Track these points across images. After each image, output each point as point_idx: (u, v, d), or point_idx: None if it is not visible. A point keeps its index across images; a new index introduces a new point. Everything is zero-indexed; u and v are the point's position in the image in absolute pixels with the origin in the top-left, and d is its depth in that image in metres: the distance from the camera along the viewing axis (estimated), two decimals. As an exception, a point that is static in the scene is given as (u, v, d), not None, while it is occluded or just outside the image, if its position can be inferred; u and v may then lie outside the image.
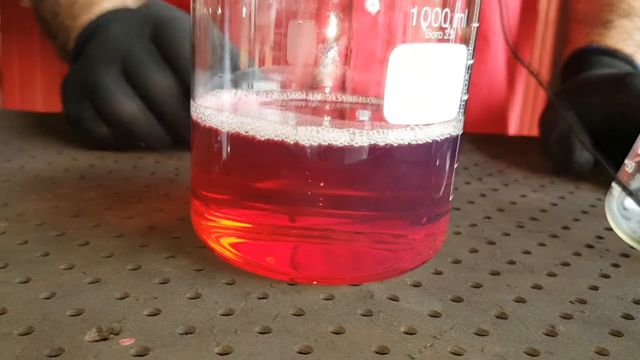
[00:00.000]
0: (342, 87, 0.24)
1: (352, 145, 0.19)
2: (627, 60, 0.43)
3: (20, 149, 0.40)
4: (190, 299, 0.20)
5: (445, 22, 0.19)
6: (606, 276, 0.24)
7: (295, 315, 0.20)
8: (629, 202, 0.30)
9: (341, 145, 0.19)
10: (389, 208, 0.21)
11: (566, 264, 0.25)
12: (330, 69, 0.23)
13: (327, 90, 0.24)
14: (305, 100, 0.25)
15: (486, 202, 0.33)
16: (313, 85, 0.24)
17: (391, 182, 0.20)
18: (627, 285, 0.24)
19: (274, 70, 0.24)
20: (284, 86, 0.25)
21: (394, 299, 0.21)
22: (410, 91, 0.19)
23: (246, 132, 0.20)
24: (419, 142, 0.20)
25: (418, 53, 0.19)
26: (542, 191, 0.36)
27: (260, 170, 0.21)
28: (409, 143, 0.20)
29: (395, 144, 0.20)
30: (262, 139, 0.20)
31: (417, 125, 0.20)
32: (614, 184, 0.30)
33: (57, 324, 0.18)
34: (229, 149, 0.21)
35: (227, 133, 0.21)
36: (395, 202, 0.21)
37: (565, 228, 0.30)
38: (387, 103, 0.19)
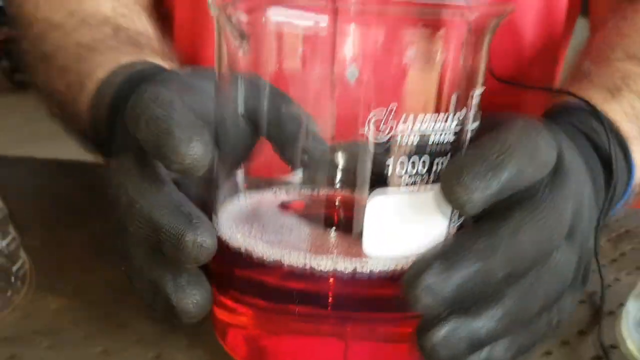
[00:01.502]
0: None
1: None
2: (621, 141, 0.35)
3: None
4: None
5: (424, 169, 0.21)
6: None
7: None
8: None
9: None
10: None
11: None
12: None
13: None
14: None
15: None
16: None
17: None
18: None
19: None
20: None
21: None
22: (389, 230, 0.21)
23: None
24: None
25: (393, 201, 0.21)
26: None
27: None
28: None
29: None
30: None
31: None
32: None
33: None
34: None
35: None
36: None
37: (582, 333, 0.30)
38: (365, 238, 0.21)
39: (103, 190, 0.26)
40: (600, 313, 0.31)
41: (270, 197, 0.27)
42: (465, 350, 0.22)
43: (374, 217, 0.21)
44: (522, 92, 0.44)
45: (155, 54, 0.41)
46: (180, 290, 0.23)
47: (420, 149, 0.21)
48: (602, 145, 0.33)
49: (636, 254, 0.40)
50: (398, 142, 0.21)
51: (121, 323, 0.28)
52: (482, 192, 0.20)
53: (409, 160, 0.21)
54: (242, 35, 0.22)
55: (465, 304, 0.22)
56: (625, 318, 0.29)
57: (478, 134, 0.23)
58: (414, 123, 0.20)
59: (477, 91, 0.22)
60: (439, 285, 0.21)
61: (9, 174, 0.47)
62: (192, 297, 0.23)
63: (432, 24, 0.20)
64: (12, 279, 0.28)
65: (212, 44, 0.58)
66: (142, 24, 0.48)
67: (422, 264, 0.21)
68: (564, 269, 0.24)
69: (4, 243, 0.28)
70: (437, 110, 0.21)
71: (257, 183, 0.27)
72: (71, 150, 0.50)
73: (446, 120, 0.21)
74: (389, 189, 0.21)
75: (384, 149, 0.21)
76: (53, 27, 0.46)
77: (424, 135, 0.21)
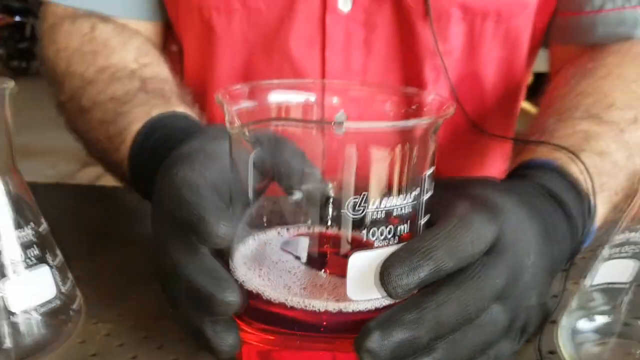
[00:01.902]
0: None
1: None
2: (582, 197, 0.40)
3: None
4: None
5: (389, 234, 0.28)
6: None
7: None
8: (582, 324, 0.37)
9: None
10: None
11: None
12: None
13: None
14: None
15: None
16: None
17: None
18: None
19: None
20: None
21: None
22: (365, 279, 0.28)
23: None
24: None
25: (367, 257, 0.28)
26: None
27: None
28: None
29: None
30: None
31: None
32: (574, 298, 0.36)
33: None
34: None
35: None
36: None
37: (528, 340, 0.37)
38: (349, 286, 0.29)
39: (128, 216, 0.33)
40: (543, 323, 0.38)
41: (274, 237, 0.34)
42: None
43: (354, 269, 0.28)
44: (484, 149, 0.50)
45: (180, 103, 0.49)
46: (218, 336, 0.30)
47: (385, 221, 0.28)
48: (567, 202, 0.38)
49: (586, 262, 0.47)
50: (369, 217, 0.28)
51: (159, 345, 0.36)
52: (403, 288, 0.28)
53: (377, 230, 0.28)
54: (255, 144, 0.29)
55: (402, 358, 0.28)
56: (561, 332, 0.36)
57: (432, 199, 0.30)
58: (380, 203, 0.28)
59: (428, 172, 0.30)
60: (378, 350, 0.27)
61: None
62: (226, 340, 0.30)
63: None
64: (71, 313, 0.35)
65: (217, 87, 0.64)
66: (164, 71, 0.55)
67: (366, 332, 0.28)
68: (491, 327, 0.31)
69: (64, 288, 0.35)
70: (399, 192, 0.28)
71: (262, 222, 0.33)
72: (68, 138, 0.58)
73: (404, 199, 0.28)
74: (365, 249, 0.28)
75: (360, 223, 0.28)
76: (87, 82, 0.52)
77: (388, 210, 0.28)
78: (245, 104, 0.32)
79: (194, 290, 0.30)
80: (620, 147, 0.45)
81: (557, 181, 0.39)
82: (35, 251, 0.33)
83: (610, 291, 0.36)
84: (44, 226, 0.34)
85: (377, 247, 0.29)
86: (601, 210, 0.43)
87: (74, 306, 0.36)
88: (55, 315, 0.34)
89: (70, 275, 0.36)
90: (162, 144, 0.43)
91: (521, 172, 0.41)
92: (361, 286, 0.29)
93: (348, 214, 0.28)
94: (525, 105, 0.72)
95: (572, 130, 0.45)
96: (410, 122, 0.29)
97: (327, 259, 0.31)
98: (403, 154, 0.28)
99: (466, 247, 0.29)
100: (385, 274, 0.27)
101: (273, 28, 0.56)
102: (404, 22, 0.55)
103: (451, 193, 0.32)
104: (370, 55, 0.56)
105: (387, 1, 0.54)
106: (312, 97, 0.35)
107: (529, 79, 0.62)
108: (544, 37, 0.61)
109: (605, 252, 0.36)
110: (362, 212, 0.28)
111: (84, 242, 0.47)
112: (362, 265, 0.28)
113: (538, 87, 0.62)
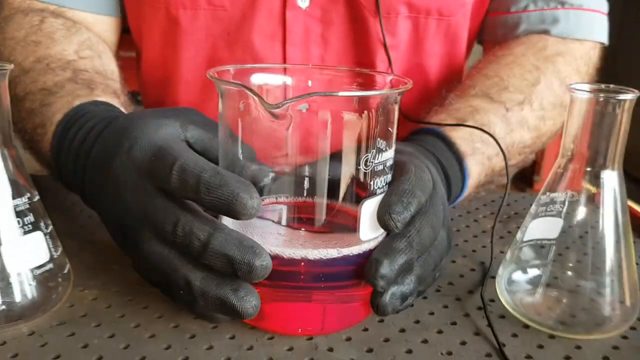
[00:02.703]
0: None
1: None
2: (459, 157, 0.50)
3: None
4: (206, 349, 0.35)
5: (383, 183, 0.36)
6: None
7: (267, 361, 0.34)
8: (517, 275, 0.42)
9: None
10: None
11: None
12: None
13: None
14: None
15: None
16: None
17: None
18: None
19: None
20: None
21: (330, 350, 0.35)
22: (373, 219, 0.35)
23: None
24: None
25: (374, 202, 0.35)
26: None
27: None
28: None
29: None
30: None
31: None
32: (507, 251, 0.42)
33: (131, 365, 0.33)
34: None
35: None
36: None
37: (470, 292, 0.43)
38: (361, 226, 0.35)
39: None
40: (485, 278, 0.44)
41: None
42: (400, 303, 0.36)
43: (366, 213, 0.35)
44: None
45: (106, 93, 0.49)
46: (243, 300, 0.33)
47: (382, 172, 0.36)
48: (444, 162, 0.49)
49: (499, 228, 0.54)
50: (375, 170, 0.35)
51: (144, 305, 0.39)
52: (402, 221, 0.35)
53: (378, 180, 0.35)
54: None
55: (399, 277, 0.36)
56: (498, 281, 0.42)
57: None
58: (380, 157, 0.35)
59: (394, 130, 0.36)
60: (388, 274, 0.35)
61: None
62: (250, 302, 0.33)
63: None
64: (60, 279, 0.39)
65: (181, 84, 0.67)
66: (102, 63, 0.56)
67: (375, 262, 0.34)
68: (442, 245, 0.40)
69: (56, 254, 0.38)
70: (388, 147, 0.36)
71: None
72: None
73: (390, 153, 0.36)
74: (372, 197, 0.35)
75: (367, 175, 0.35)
76: (24, 72, 0.52)
77: (384, 163, 0.36)
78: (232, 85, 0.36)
79: (230, 262, 0.32)
80: (500, 122, 0.55)
81: (438, 144, 0.50)
82: (30, 219, 0.36)
83: (539, 247, 0.42)
84: (37, 197, 0.38)
85: (379, 194, 0.36)
86: (474, 170, 0.52)
87: (65, 271, 0.39)
88: (48, 279, 0.37)
89: (59, 243, 0.39)
90: (82, 134, 0.43)
91: (413, 137, 0.52)
92: (369, 227, 0.35)
93: (361, 168, 0.35)
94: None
95: (464, 104, 0.55)
96: (389, 90, 0.37)
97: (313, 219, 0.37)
98: (389, 117, 0.35)
99: (429, 185, 0.38)
100: (387, 214, 0.35)
101: (236, 23, 0.60)
102: (357, 18, 0.60)
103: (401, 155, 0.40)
104: (327, 48, 0.61)
105: None
106: (288, 80, 0.40)
107: (466, 69, 0.69)
108: (478, 35, 0.70)
109: (533, 209, 0.42)
110: (371, 166, 0.35)
111: (62, 222, 0.50)
112: (371, 210, 0.35)
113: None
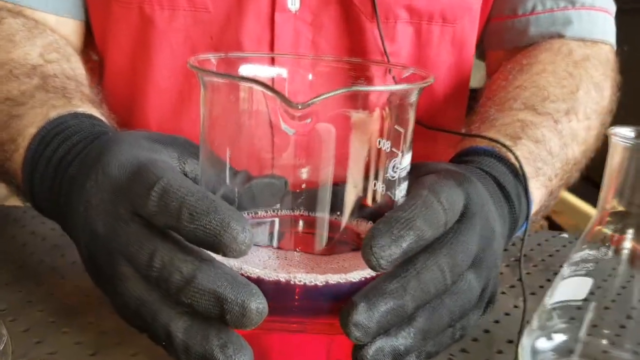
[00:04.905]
0: None
1: None
2: (523, 182, 0.41)
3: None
4: None
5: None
6: None
7: None
8: (541, 343, 0.36)
9: None
10: None
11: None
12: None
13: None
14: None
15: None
16: None
17: None
18: None
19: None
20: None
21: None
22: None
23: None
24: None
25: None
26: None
27: None
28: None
29: None
30: None
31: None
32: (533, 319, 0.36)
33: None
34: None
35: None
36: None
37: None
38: None
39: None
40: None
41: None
42: None
43: None
44: (436, 135, 0.50)
45: (84, 102, 0.43)
46: None
47: (405, 179, 0.31)
48: (505, 184, 0.40)
49: (531, 278, 0.47)
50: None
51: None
52: (386, 259, 0.28)
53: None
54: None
55: (387, 328, 0.29)
56: (521, 352, 0.36)
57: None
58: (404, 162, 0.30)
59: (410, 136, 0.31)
60: (365, 322, 0.28)
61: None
62: None
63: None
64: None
65: (153, 92, 0.61)
66: (72, 67, 0.50)
67: (351, 305, 0.28)
68: (467, 295, 0.32)
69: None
70: (409, 149, 0.31)
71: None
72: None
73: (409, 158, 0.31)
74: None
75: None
76: None
77: (406, 169, 0.31)
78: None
79: (219, 302, 0.27)
80: (554, 137, 0.48)
81: (497, 166, 0.41)
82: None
83: (567, 309, 0.36)
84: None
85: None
86: (537, 194, 0.45)
87: (2, 347, 0.32)
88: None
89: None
90: (62, 151, 0.37)
91: (464, 158, 0.43)
92: None
93: (390, 176, 0.29)
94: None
95: (510, 119, 0.48)
96: (407, 85, 0.30)
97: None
98: (405, 117, 0.30)
99: (440, 215, 0.30)
100: (367, 247, 0.28)
101: (220, 27, 0.54)
102: (352, 22, 0.54)
103: (414, 170, 0.33)
104: (318, 54, 0.55)
105: (334, 2, 0.53)
106: (283, 72, 0.34)
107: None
108: (477, 46, 0.63)
109: (565, 270, 0.36)
110: (398, 172, 0.30)
111: (4, 272, 0.43)
112: None
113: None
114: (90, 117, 0.41)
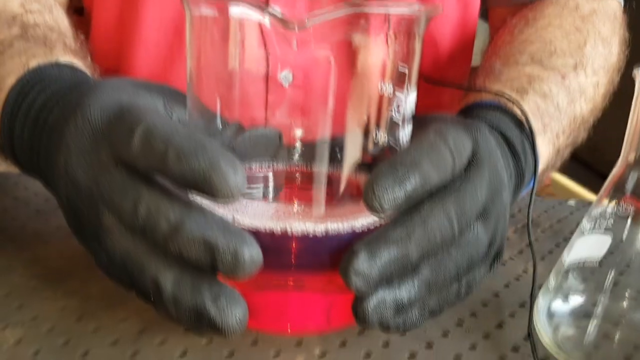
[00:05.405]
0: None
1: None
2: (531, 137, 0.39)
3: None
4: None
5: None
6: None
7: None
8: (557, 304, 0.34)
9: None
10: None
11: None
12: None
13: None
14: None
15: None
16: None
17: None
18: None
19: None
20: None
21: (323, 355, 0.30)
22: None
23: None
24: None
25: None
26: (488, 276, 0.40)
27: None
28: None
29: None
30: None
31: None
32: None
33: None
34: None
35: None
36: None
37: (499, 327, 0.34)
38: None
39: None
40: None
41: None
42: (392, 315, 0.27)
43: None
44: (440, 92, 0.48)
45: (66, 52, 0.41)
46: (224, 313, 0.25)
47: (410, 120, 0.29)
48: (512, 139, 0.38)
49: (539, 244, 0.45)
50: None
51: (84, 351, 0.30)
52: (389, 202, 0.26)
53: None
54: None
55: (390, 279, 0.27)
56: (538, 314, 0.33)
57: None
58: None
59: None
60: (366, 271, 0.26)
61: None
62: (234, 316, 0.25)
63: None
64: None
65: (141, 48, 0.57)
66: (54, 18, 0.46)
67: (352, 253, 0.26)
68: (474, 247, 0.29)
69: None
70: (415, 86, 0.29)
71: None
72: None
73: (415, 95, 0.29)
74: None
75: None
76: None
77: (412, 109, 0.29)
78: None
79: (210, 251, 0.25)
80: (561, 92, 0.45)
81: (503, 119, 0.39)
82: None
83: (584, 270, 0.33)
84: None
85: None
86: (544, 150, 0.43)
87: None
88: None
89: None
90: (41, 100, 0.35)
91: (469, 112, 0.40)
92: None
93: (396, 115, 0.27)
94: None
95: (517, 73, 0.46)
96: (415, 7, 0.27)
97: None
98: (410, 49, 0.27)
99: (448, 158, 0.28)
100: (369, 189, 0.25)
101: None
102: None
103: (418, 122, 0.31)
104: (315, 6, 0.52)
105: None
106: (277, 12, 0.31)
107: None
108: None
109: (585, 224, 0.33)
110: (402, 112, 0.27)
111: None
112: None
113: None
114: (72, 67, 0.38)
